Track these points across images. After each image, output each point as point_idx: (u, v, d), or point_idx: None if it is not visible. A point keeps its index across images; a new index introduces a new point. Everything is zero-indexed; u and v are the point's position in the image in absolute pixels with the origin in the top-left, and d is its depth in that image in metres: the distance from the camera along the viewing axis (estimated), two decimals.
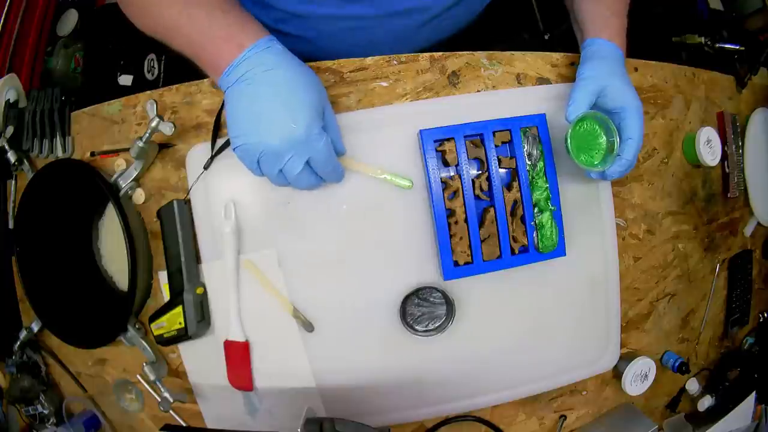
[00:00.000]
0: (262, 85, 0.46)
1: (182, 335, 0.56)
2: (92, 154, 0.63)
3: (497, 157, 0.56)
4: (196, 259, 0.58)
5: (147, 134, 0.54)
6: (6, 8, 0.88)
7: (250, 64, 0.47)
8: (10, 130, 0.67)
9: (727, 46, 0.89)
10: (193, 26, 0.48)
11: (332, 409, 0.60)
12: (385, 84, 0.59)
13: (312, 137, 0.46)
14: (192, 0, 0.49)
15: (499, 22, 0.71)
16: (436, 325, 0.58)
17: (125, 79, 1.08)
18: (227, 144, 0.57)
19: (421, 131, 0.55)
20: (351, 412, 0.60)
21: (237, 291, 0.58)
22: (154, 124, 0.54)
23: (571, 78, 0.63)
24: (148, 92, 0.61)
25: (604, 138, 0.55)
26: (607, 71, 0.54)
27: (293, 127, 0.45)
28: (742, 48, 0.86)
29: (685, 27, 0.94)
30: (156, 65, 1.06)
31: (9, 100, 0.71)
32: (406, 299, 0.58)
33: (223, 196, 0.58)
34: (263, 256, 0.58)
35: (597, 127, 0.54)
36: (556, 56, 0.63)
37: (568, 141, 0.53)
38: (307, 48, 0.62)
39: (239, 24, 0.48)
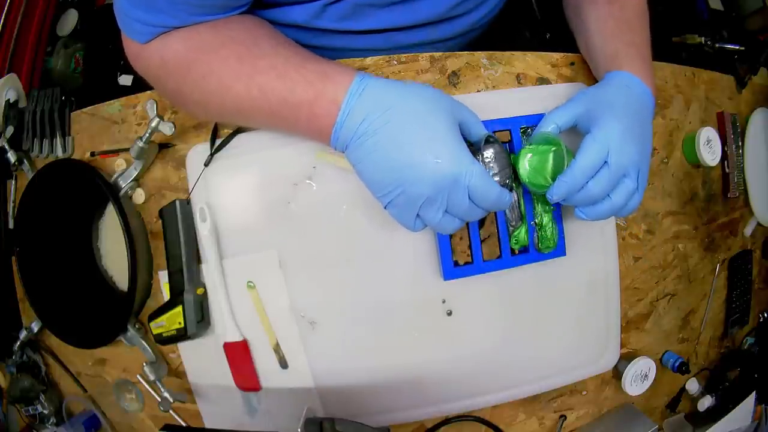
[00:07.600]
0: (384, 134, 0.39)
1: (181, 335, 0.56)
2: (92, 154, 0.63)
3: None
4: (197, 259, 0.59)
5: (147, 134, 0.54)
6: (6, 8, 0.88)
7: (356, 118, 0.40)
8: (10, 130, 0.67)
9: (727, 46, 0.89)
10: (269, 98, 0.42)
11: (332, 409, 0.60)
12: None
13: (463, 165, 0.40)
14: (258, 66, 0.42)
15: (500, 22, 0.70)
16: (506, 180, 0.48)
17: (125, 79, 1.08)
18: (226, 141, 0.57)
19: None
20: (351, 412, 0.59)
21: (226, 291, 0.58)
22: (154, 124, 0.54)
23: (571, 78, 0.63)
24: (148, 92, 0.61)
25: (551, 164, 0.49)
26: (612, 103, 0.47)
27: (439, 163, 0.39)
28: (742, 48, 0.86)
29: (685, 27, 0.95)
30: None
31: (9, 100, 0.71)
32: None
33: (222, 196, 0.58)
34: (264, 257, 0.58)
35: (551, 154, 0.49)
36: (556, 56, 0.63)
37: (523, 160, 0.49)
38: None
39: (320, 75, 0.41)
